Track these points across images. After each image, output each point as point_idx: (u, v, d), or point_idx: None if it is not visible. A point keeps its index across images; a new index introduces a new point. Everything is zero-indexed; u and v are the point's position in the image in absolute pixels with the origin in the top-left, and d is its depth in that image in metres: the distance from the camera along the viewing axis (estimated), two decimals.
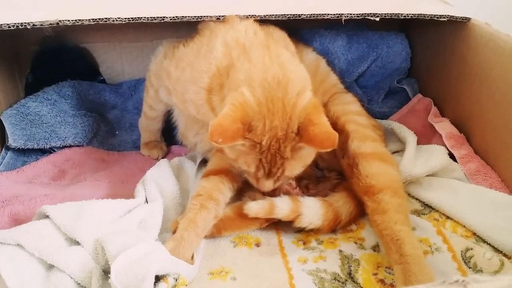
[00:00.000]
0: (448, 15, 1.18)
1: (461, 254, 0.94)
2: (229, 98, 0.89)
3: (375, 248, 0.99)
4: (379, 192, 0.97)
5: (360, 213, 1.04)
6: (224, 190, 1.02)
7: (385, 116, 1.41)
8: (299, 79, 0.93)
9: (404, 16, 1.15)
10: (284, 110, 0.88)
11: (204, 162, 1.22)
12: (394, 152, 1.25)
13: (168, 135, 1.36)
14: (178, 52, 1.08)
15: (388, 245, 0.91)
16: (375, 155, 1.04)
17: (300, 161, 0.93)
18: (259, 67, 0.91)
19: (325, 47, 1.42)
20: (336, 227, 1.03)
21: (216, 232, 1.01)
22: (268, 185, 0.95)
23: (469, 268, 0.91)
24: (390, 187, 0.98)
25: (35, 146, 1.26)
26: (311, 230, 1.02)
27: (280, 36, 1.09)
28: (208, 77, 0.96)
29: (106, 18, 1.04)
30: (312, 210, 0.99)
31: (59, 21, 1.03)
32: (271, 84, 0.89)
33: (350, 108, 1.18)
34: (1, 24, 1.02)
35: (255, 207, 0.97)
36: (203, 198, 0.99)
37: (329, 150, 0.88)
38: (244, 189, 1.08)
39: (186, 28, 1.11)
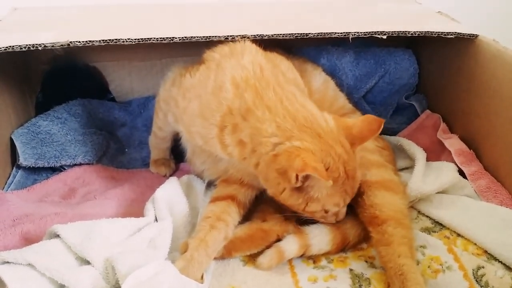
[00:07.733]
0: (455, 32, 1.18)
1: (473, 273, 0.93)
2: (285, 158, 0.88)
3: None
4: (383, 223, 0.97)
5: (368, 234, 1.03)
6: (231, 212, 1.03)
7: (393, 132, 1.40)
8: (315, 109, 0.96)
9: (412, 33, 1.15)
10: (333, 138, 0.91)
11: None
12: (403, 169, 1.25)
13: (178, 152, 1.36)
14: (185, 81, 1.07)
15: (392, 279, 0.91)
16: (380, 183, 1.04)
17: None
18: (283, 115, 0.92)
19: (333, 63, 1.43)
20: (344, 248, 1.03)
21: (226, 254, 1.00)
22: (344, 211, 0.99)
23: (481, 286, 0.90)
24: (394, 218, 0.98)
25: (46, 165, 1.27)
26: None
27: (287, 67, 1.09)
28: (219, 115, 0.97)
29: (116, 39, 1.05)
30: (319, 238, 1.00)
31: (70, 42, 1.05)
32: (308, 126, 0.91)
33: None
34: (13, 46, 1.03)
35: (266, 262, 0.97)
36: (212, 220, 1.00)
37: (381, 129, 0.94)
38: (252, 210, 1.09)
39: (195, 48, 1.11)
